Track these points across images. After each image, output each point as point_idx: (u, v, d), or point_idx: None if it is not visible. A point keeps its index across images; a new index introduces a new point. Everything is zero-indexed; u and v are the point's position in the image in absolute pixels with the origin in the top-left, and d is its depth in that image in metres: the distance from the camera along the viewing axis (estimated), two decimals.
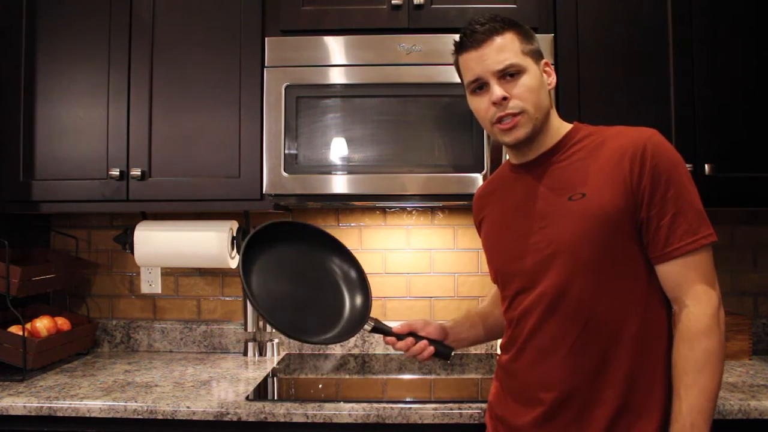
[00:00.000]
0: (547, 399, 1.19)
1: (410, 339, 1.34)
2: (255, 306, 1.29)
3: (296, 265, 1.40)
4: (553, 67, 1.28)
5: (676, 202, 1.13)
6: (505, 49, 1.20)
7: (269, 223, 1.38)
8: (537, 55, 1.24)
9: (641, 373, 1.15)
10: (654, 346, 1.17)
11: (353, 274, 1.43)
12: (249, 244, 1.33)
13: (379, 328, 1.35)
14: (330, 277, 1.42)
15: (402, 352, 1.36)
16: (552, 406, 1.19)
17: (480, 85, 1.23)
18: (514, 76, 1.20)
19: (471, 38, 1.22)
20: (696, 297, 1.13)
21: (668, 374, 1.17)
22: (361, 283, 1.41)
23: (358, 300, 1.40)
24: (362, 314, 1.37)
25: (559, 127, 1.27)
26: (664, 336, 1.18)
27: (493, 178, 1.43)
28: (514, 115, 1.20)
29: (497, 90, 1.19)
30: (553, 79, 1.26)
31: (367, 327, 1.34)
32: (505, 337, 1.32)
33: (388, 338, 1.34)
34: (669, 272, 1.15)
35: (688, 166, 1.75)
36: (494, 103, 1.20)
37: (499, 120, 1.22)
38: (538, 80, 1.22)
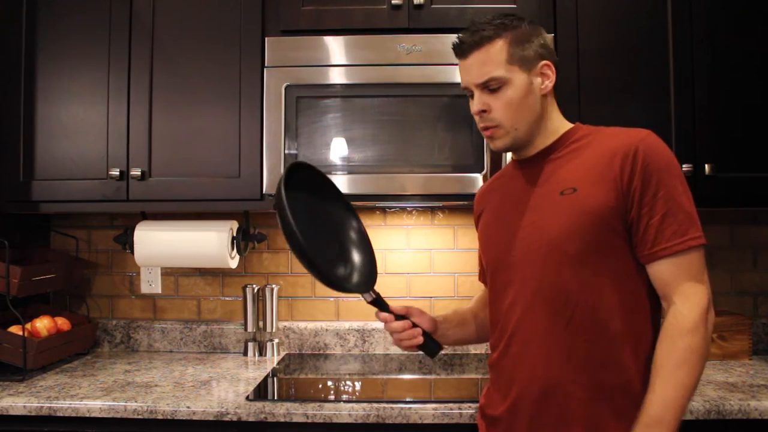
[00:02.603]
0: (531, 393, 1.19)
1: (407, 322, 1.32)
2: (292, 230, 1.21)
3: (321, 213, 1.37)
4: (554, 67, 1.26)
5: (666, 203, 1.14)
6: (488, 61, 1.22)
7: (305, 164, 1.35)
8: (530, 61, 1.23)
9: (627, 373, 1.16)
10: (640, 346, 1.17)
11: (365, 242, 1.41)
12: (289, 174, 1.27)
13: (379, 302, 1.32)
14: (348, 235, 1.41)
15: (394, 342, 1.35)
16: (537, 401, 1.19)
17: (470, 93, 1.27)
18: (495, 90, 1.22)
19: (458, 48, 1.26)
20: (684, 295, 1.14)
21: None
22: (370, 251, 1.40)
23: (368, 266, 1.38)
24: (369, 277, 1.36)
25: (558, 127, 1.29)
26: (650, 336, 1.18)
27: (497, 175, 1.45)
28: (492, 127, 1.25)
29: (475, 104, 1.25)
30: (549, 82, 1.25)
31: (368, 297, 1.31)
32: (492, 336, 1.33)
33: (384, 314, 1.31)
34: (658, 271, 1.16)
35: (687, 166, 1.78)
36: (474, 114, 1.27)
37: (482, 128, 1.28)
38: (521, 92, 1.22)
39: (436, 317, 1.40)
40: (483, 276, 1.46)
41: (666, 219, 1.14)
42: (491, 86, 1.22)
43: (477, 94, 1.25)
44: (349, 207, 1.42)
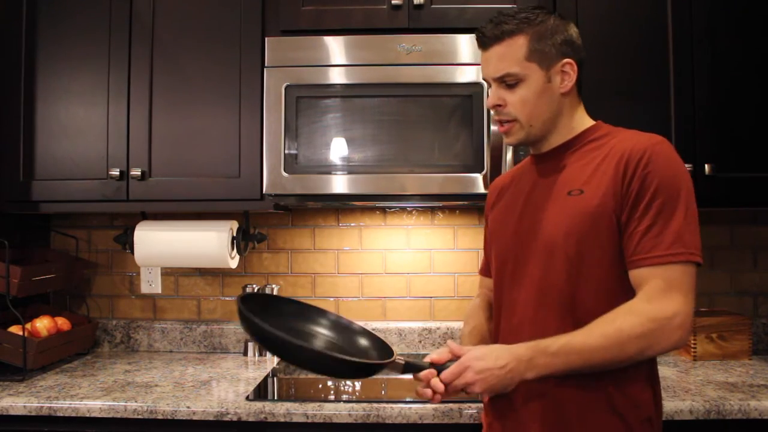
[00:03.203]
0: (532, 390, 1.18)
1: (441, 386, 1.13)
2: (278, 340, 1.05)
3: (293, 324, 1.21)
4: (576, 65, 1.22)
5: (657, 214, 1.11)
6: (506, 56, 1.21)
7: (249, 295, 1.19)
8: (550, 59, 1.21)
9: (625, 372, 1.14)
10: None
11: (353, 327, 1.24)
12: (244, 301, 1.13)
13: (412, 364, 1.15)
14: (338, 328, 1.24)
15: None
16: (538, 398, 1.18)
17: (490, 84, 1.27)
18: (512, 85, 1.22)
19: (480, 40, 1.25)
20: (646, 295, 1.10)
21: (651, 376, 1.17)
22: (364, 331, 1.22)
23: (374, 341, 1.19)
24: (385, 347, 1.16)
25: (577, 125, 1.27)
26: None
27: (514, 168, 1.44)
28: (507, 121, 1.25)
29: (490, 97, 1.25)
30: (569, 81, 1.23)
31: (400, 364, 1.13)
32: (494, 333, 1.33)
33: (424, 373, 1.14)
34: (634, 277, 1.14)
35: (687, 166, 1.77)
36: (489, 107, 1.27)
37: (498, 121, 1.28)
38: (537, 89, 1.21)
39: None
40: (485, 269, 1.46)
41: (651, 230, 1.11)
42: (508, 81, 1.22)
43: (494, 87, 1.24)
44: (317, 310, 1.27)
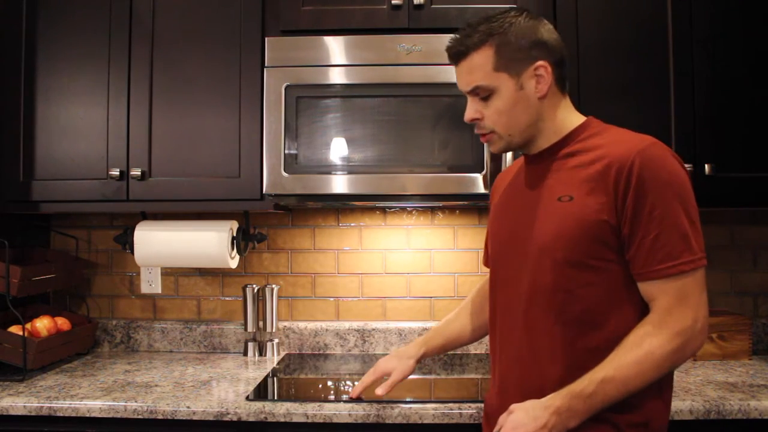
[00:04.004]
0: (526, 396, 1.17)
1: None
2: None
3: None
4: (550, 67, 1.19)
5: (660, 223, 1.10)
6: (473, 69, 1.20)
7: None
8: (521, 65, 1.18)
9: None
10: None
11: None
12: None
13: None
14: None
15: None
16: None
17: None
18: (486, 98, 1.21)
19: (449, 55, 1.25)
20: (665, 310, 1.11)
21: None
22: None
23: None
24: None
25: (564, 125, 1.24)
26: None
27: (513, 164, 1.43)
28: (486, 133, 1.25)
29: (467, 111, 1.25)
30: (544, 85, 1.19)
31: None
32: (490, 336, 1.34)
33: None
34: (646, 290, 1.14)
35: (688, 166, 1.75)
36: (467, 121, 1.26)
37: (478, 133, 1.27)
38: (510, 98, 1.19)
39: (419, 353, 1.51)
40: (487, 260, 1.46)
41: (658, 240, 1.10)
42: (480, 94, 1.21)
43: (469, 100, 1.24)
44: None
